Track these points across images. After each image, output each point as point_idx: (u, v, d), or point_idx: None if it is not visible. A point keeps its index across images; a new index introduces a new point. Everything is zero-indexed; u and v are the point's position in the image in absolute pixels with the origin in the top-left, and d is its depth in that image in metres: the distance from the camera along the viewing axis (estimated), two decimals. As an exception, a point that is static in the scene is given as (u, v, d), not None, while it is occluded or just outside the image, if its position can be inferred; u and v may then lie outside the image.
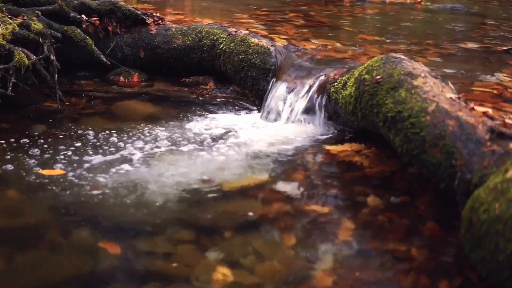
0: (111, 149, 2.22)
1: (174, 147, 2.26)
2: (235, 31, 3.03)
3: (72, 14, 2.99)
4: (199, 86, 3.06)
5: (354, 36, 3.58)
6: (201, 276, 1.47)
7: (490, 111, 1.73)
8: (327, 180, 2.04)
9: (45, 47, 2.69)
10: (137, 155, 2.17)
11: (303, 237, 1.67)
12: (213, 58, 3.05)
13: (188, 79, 3.12)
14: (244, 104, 2.83)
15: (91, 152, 2.17)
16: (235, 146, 2.30)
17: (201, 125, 2.53)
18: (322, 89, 2.49)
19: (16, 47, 2.56)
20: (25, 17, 2.79)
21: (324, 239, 1.66)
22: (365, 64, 2.16)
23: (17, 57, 2.51)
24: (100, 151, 2.19)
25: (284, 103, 2.59)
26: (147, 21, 3.16)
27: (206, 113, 2.69)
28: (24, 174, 1.99)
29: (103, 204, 1.81)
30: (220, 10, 4.55)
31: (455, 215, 1.53)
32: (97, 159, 2.12)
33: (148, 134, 2.38)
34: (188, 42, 3.08)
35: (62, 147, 2.21)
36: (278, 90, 2.66)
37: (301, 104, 2.53)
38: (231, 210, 1.82)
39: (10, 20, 2.69)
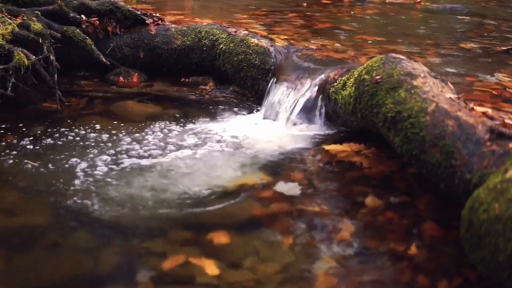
0: (111, 149, 2.21)
1: (173, 147, 2.26)
2: (235, 31, 3.03)
3: (71, 15, 2.99)
4: (198, 86, 3.06)
5: (353, 36, 3.58)
6: (201, 276, 1.47)
7: (489, 111, 1.73)
8: (326, 180, 2.04)
9: (45, 47, 2.69)
10: (136, 155, 2.17)
11: (302, 237, 1.67)
12: (213, 58, 3.05)
13: (187, 79, 3.12)
14: (244, 104, 2.83)
15: (91, 152, 2.17)
16: (235, 146, 2.30)
17: (201, 125, 2.53)
18: (321, 89, 2.49)
19: (16, 47, 2.56)
20: (25, 17, 2.79)
21: (324, 239, 1.66)
22: (365, 64, 2.16)
23: (17, 57, 2.51)
24: (100, 151, 2.19)
25: (284, 103, 2.59)
26: (146, 22, 3.16)
27: (206, 113, 2.69)
28: (23, 174, 1.98)
29: (102, 204, 1.81)
30: (220, 10, 4.55)
31: (455, 215, 1.53)
32: (97, 159, 2.12)
33: (147, 134, 2.38)
34: (188, 42, 3.08)
35: (62, 147, 2.21)
36: (278, 90, 2.66)
37: (301, 104, 2.53)
38: (230, 210, 1.82)
39: (10, 20, 2.69)
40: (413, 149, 1.75)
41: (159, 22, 3.21)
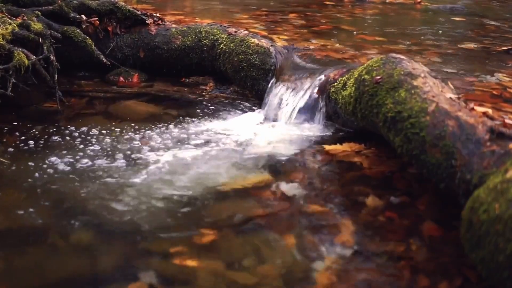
0: (111, 149, 2.22)
1: (174, 148, 2.26)
2: (235, 32, 3.03)
3: (72, 15, 2.99)
4: (199, 87, 3.06)
5: (354, 36, 3.58)
6: (200, 276, 1.47)
7: (490, 111, 1.73)
8: (327, 180, 2.04)
9: (45, 47, 2.69)
10: (136, 155, 2.17)
11: (303, 237, 1.67)
12: (213, 59, 3.05)
13: (188, 80, 3.12)
14: (244, 104, 2.83)
15: (90, 153, 2.18)
16: (235, 146, 2.30)
17: (201, 125, 2.53)
18: (321, 90, 2.49)
19: (16, 47, 2.56)
20: (25, 18, 2.79)
21: (324, 239, 1.66)
22: (365, 65, 2.16)
23: (17, 57, 2.52)
24: (100, 151, 2.19)
25: (284, 103, 2.59)
26: (147, 22, 3.17)
27: (206, 113, 2.69)
28: (23, 174, 1.99)
29: (102, 203, 1.81)
30: (220, 10, 4.55)
31: (455, 215, 1.53)
32: (97, 159, 2.12)
33: (147, 135, 2.38)
34: (188, 43, 3.08)
35: (62, 147, 2.21)
36: (278, 91, 2.66)
37: (301, 104, 2.53)
38: (231, 210, 1.82)
39: (10, 20, 2.69)
40: (413, 149, 1.75)
41: (160, 22, 3.21)
